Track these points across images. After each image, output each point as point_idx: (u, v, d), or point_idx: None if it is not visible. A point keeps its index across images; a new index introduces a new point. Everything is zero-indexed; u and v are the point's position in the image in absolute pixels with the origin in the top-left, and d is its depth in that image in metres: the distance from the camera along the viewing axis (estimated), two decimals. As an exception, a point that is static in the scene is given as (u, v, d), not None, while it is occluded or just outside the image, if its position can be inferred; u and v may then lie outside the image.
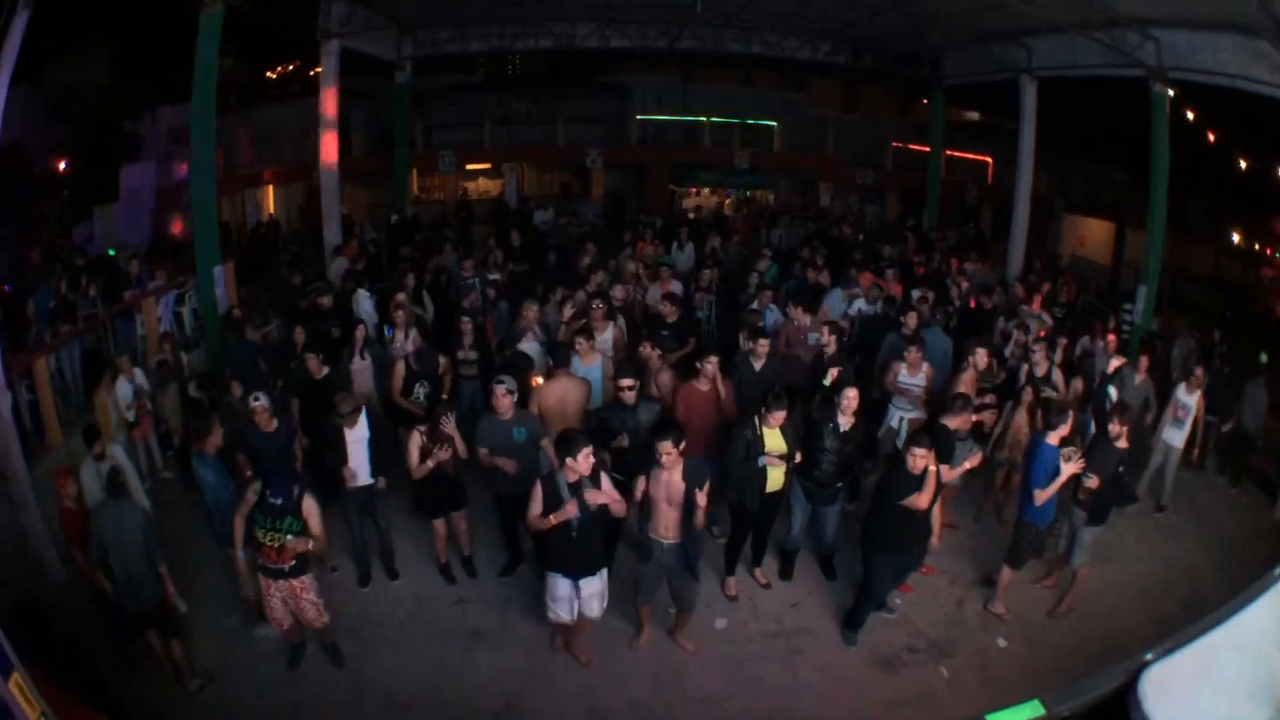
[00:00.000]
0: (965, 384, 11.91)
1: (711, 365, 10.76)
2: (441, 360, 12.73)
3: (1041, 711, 3.92)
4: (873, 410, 12.96)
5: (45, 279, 18.20)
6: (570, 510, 8.36)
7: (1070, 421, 10.04)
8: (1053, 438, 9.88)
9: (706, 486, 8.65)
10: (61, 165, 31.12)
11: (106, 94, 32.25)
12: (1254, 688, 4.08)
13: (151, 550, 9.12)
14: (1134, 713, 3.93)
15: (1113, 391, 12.86)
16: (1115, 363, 13.66)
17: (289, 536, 8.57)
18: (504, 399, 9.96)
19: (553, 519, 8.39)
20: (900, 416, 12.53)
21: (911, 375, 12.47)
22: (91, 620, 9.74)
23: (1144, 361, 13.88)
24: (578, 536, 8.57)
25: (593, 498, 8.45)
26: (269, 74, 41.03)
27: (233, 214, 31.64)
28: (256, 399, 10.47)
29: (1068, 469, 9.65)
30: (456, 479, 10.63)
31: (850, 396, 10.04)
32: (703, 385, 10.80)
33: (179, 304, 17.79)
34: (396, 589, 11.14)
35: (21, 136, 26.41)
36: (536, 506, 8.50)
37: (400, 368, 12.42)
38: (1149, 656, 4.08)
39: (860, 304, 15.88)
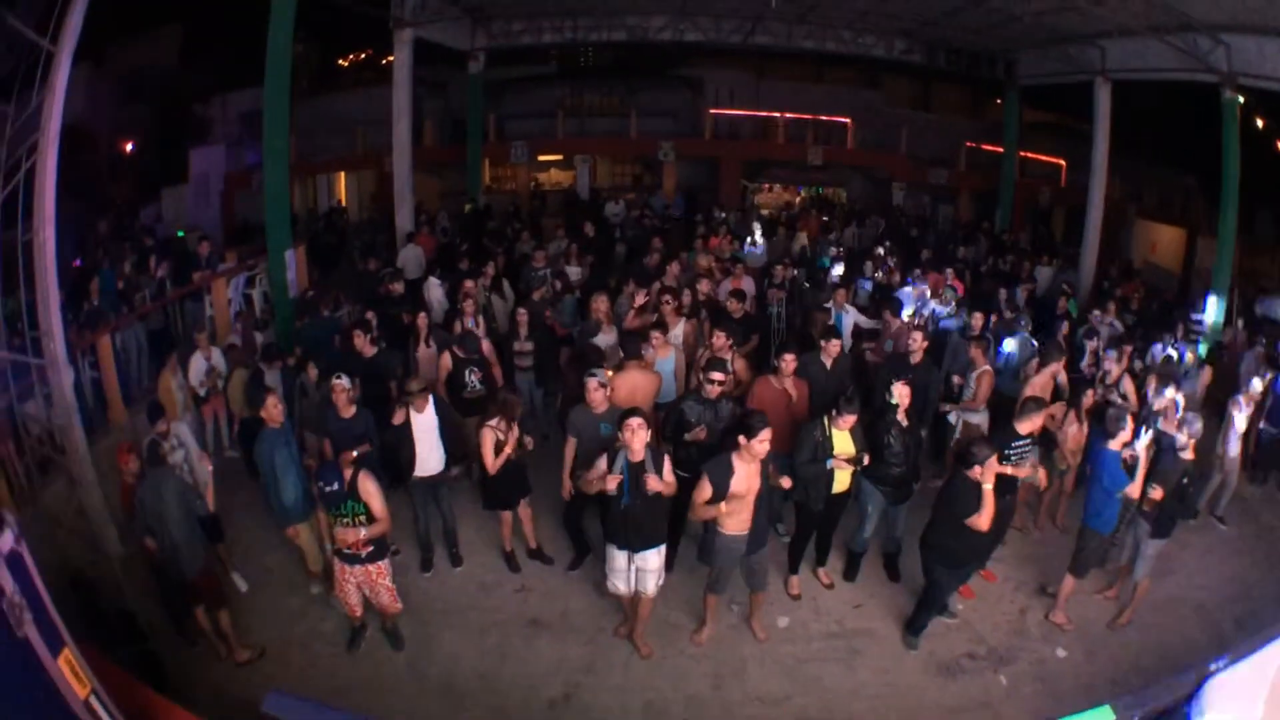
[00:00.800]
0: (1037, 388, 11.80)
1: (789, 362, 10.76)
2: (485, 344, 12.73)
3: (1112, 717, 4.01)
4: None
5: (111, 258, 18.28)
6: (609, 483, 8.57)
7: (1130, 428, 9.87)
8: (1114, 444, 9.75)
9: (771, 469, 8.82)
10: (129, 146, 31.25)
11: (176, 76, 32.43)
12: None
13: (191, 516, 9.24)
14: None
15: (1179, 398, 12.41)
16: (1161, 403, 12.66)
17: (357, 522, 8.67)
18: (596, 392, 10.01)
19: (592, 480, 8.80)
20: (960, 416, 12.57)
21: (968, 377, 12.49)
22: (148, 596, 9.86)
23: (1206, 374, 13.84)
24: (627, 511, 8.75)
25: (650, 484, 8.57)
26: (341, 61, 41.24)
27: (303, 200, 31.78)
28: (339, 377, 10.46)
29: (1138, 478, 9.59)
30: (522, 468, 10.66)
31: (901, 393, 10.05)
32: (778, 382, 10.77)
33: (249, 286, 17.87)
34: (459, 575, 11.20)
35: (90, 116, 26.60)
36: (594, 471, 8.83)
37: (446, 357, 12.37)
38: (1213, 667, 4.22)
39: (934, 305, 15.64)
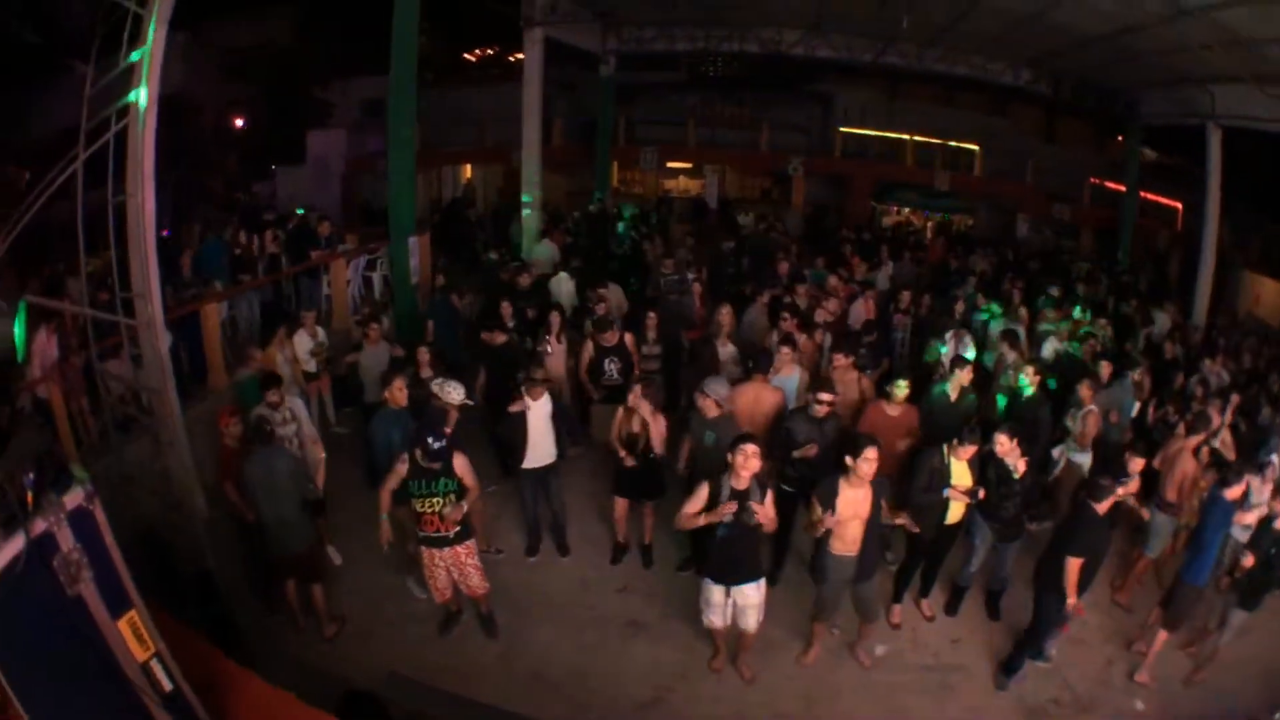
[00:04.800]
0: (1188, 458, 11.47)
1: (901, 388, 10.83)
2: (628, 339, 12.90)
3: None
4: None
5: (215, 229, 18.53)
6: (723, 511, 8.31)
7: (1245, 483, 9.81)
8: (1230, 493, 9.64)
9: (885, 505, 8.88)
10: (239, 122, 31.76)
11: (291, 57, 32.84)
12: None
13: (304, 494, 9.55)
14: None
15: (1275, 458, 12.10)
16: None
17: (448, 501, 8.74)
18: (704, 401, 10.10)
19: (702, 518, 8.50)
20: (1064, 453, 12.39)
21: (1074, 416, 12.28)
22: (230, 561, 10.14)
23: None
24: (725, 543, 8.61)
25: (758, 512, 8.40)
26: (467, 55, 41.57)
27: (427, 190, 32.12)
28: (449, 393, 10.45)
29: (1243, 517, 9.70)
30: (658, 468, 10.82)
31: (1002, 441, 9.91)
32: (892, 410, 10.83)
33: (369, 269, 18.43)
34: (562, 569, 11.42)
35: (193, 88, 26.96)
36: (694, 504, 8.58)
37: (589, 345, 12.68)
38: (1277, 716, 4.81)
39: (1054, 342, 15.38)
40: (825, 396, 10.23)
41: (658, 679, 9.54)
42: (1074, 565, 8.99)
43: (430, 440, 8.48)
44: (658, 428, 10.45)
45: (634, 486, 10.91)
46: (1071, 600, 9.16)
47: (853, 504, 8.62)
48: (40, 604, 4.60)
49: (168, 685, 5.37)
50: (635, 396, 10.41)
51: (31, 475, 4.51)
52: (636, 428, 10.42)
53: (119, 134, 9.44)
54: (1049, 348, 15.08)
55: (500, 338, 12.86)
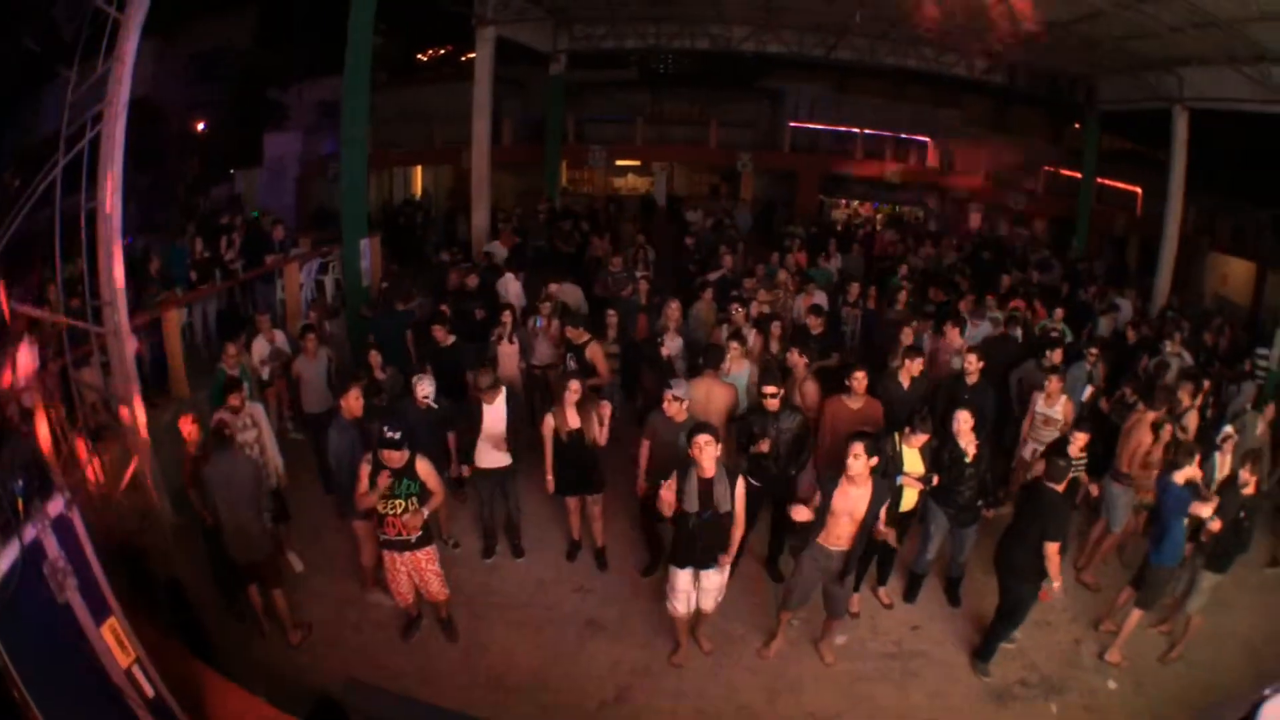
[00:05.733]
0: (1143, 434, 11.55)
1: (859, 381, 10.81)
2: (596, 349, 12.89)
3: None
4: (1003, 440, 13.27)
5: (178, 234, 18.51)
6: (681, 501, 8.56)
7: (1197, 463, 9.91)
8: (1179, 477, 9.77)
9: (886, 504, 8.84)
10: (200, 125, 31.67)
11: (251, 60, 32.78)
12: None
13: (260, 501, 9.47)
14: None
15: (1229, 429, 12.43)
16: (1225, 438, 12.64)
17: (410, 504, 8.70)
18: (672, 405, 10.03)
19: (666, 502, 8.60)
20: (1035, 450, 12.28)
21: (1049, 406, 12.30)
22: (198, 568, 10.07)
23: (1269, 411, 13.48)
24: (695, 531, 8.68)
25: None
26: (421, 55, 41.52)
27: (379, 191, 32.05)
28: (425, 392, 10.68)
29: (1198, 509, 9.65)
30: (594, 461, 10.81)
31: (961, 419, 10.05)
32: (853, 402, 10.83)
33: (322, 272, 18.20)
34: (519, 570, 11.36)
35: (160, 92, 26.93)
36: (668, 493, 8.60)
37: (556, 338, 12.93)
38: (1267, 692, 4.53)
39: (986, 327, 15.73)
40: (769, 389, 10.27)
41: (619, 677, 9.57)
42: (1053, 550, 9.06)
43: (387, 430, 8.45)
44: (594, 425, 10.51)
45: (574, 482, 10.88)
46: (1057, 584, 9.27)
47: (850, 501, 8.67)
48: (38, 611, 4.64)
49: (150, 690, 5.38)
50: (573, 392, 10.42)
51: (21, 483, 4.58)
52: (575, 423, 10.44)
53: (94, 140, 9.49)
54: (979, 332, 15.42)
55: (449, 339, 12.91)
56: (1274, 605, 11.95)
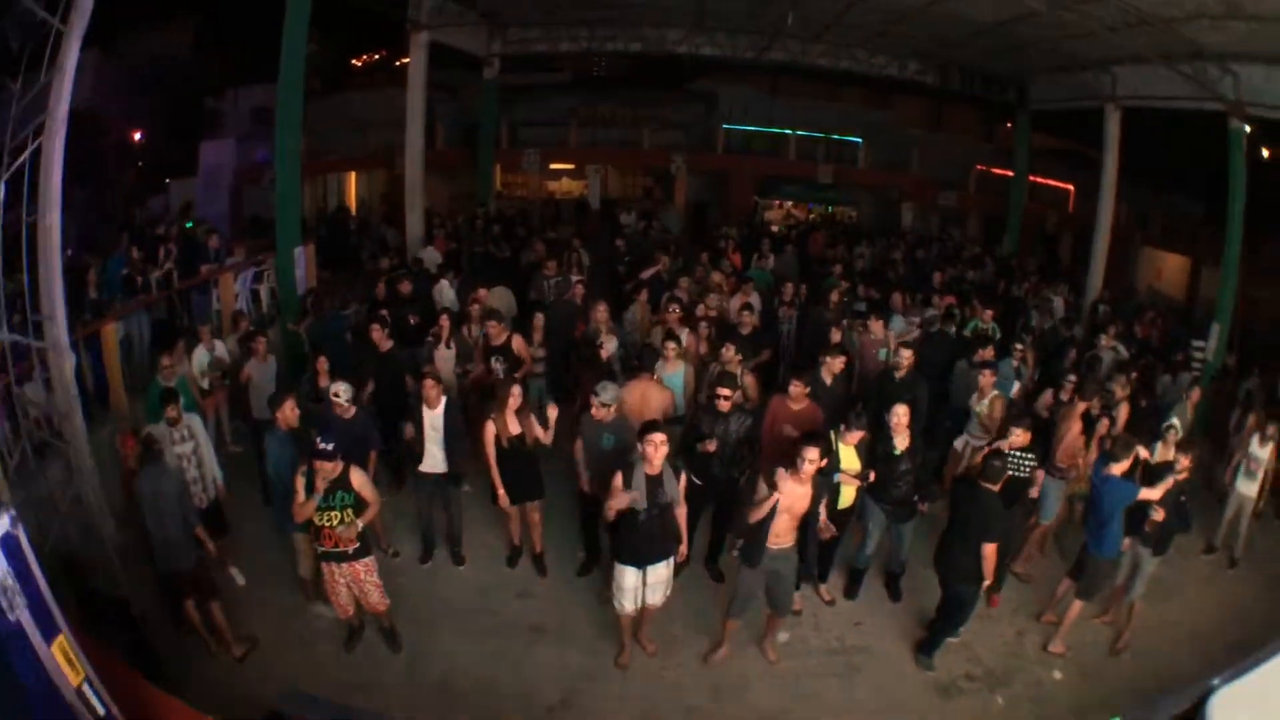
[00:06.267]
0: (1071, 425, 11.79)
1: (798, 388, 10.83)
2: (517, 340, 13.02)
3: None
4: (937, 436, 13.36)
5: (117, 246, 18.34)
6: (635, 496, 8.61)
7: (1134, 455, 10.03)
8: (1116, 469, 9.84)
9: (825, 499, 9.00)
10: (137, 136, 31.44)
11: (189, 68, 32.56)
12: None
13: (187, 514, 9.45)
14: None
15: (1176, 422, 12.54)
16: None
17: (345, 515, 8.67)
18: (599, 411, 10.00)
19: (613, 505, 8.70)
20: (968, 443, 12.47)
21: (979, 402, 12.45)
22: (144, 585, 9.89)
23: (1195, 394, 14.08)
24: (644, 528, 8.77)
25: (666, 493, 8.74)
26: (355, 60, 41.39)
27: (313, 198, 31.89)
28: (336, 390, 10.57)
29: (1148, 494, 9.78)
30: (535, 467, 10.78)
31: (897, 414, 10.11)
32: (794, 404, 10.82)
33: (256, 282, 17.99)
34: (461, 578, 11.29)
35: (101, 104, 26.75)
36: (616, 498, 8.67)
37: (481, 344, 12.95)
38: (1216, 681, 4.27)
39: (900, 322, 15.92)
40: (723, 391, 10.28)
41: (564, 682, 9.54)
42: (991, 551, 9.18)
43: (320, 441, 8.45)
44: (535, 429, 10.50)
45: (515, 488, 10.77)
46: (988, 582, 9.42)
47: (790, 498, 8.67)
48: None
49: (101, 710, 5.32)
50: (515, 398, 10.40)
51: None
52: (515, 429, 10.41)
53: (35, 152, 9.44)
54: (898, 323, 15.64)
55: (387, 344, 12.78)
56: (1215, 593, 12.23)
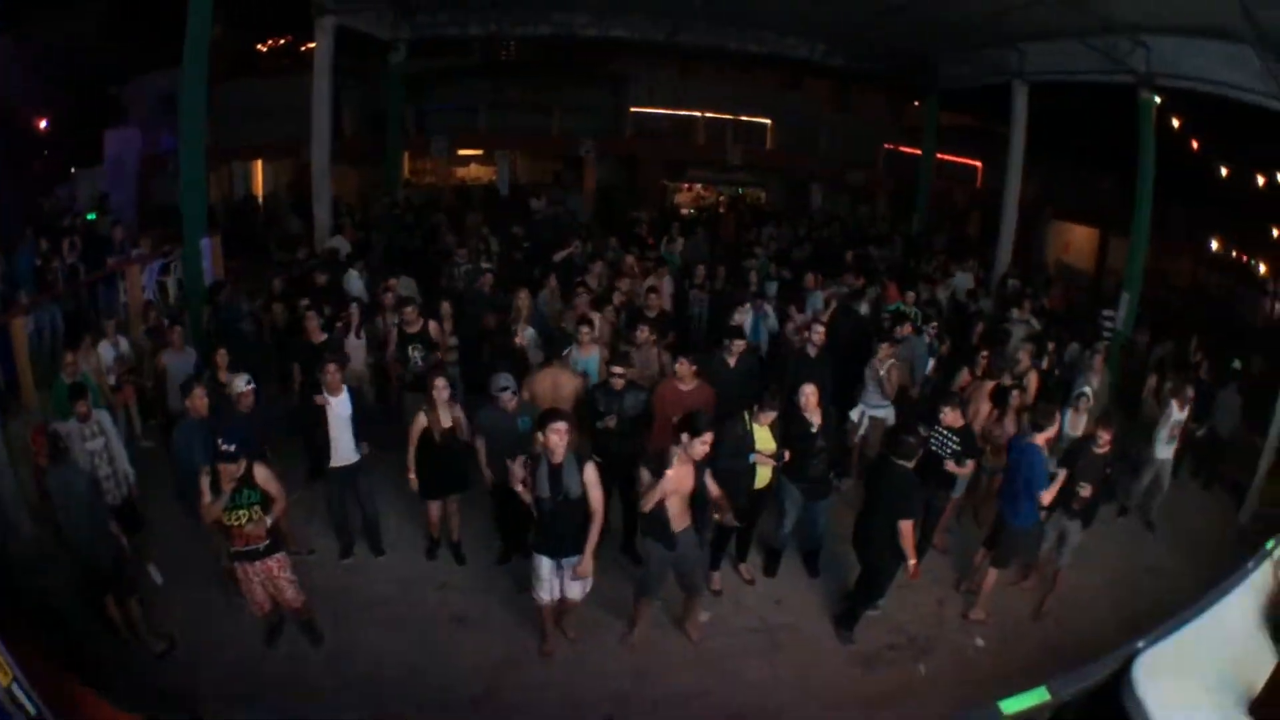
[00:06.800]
0: (980, 400, 12.00)
1: (684, 366, 10.94)
2: (433, 326, 12.94)
3: (1048, 697, 4.11)
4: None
5: (25, 239, 18.05)
6: (521, 476, 8.77)
7: (1056, 425, 10.30)
8: (1039, 439, 10.02)
9: (709, 473, 8.96)
10: (43, 124, 30.93)
11: (93, 54, 32.07)
12: (1224, 676, 4.42)
13: (99, 512, 9.30)
14: (1128, 698, 4.14)
15: (1088, 390, 13.03)
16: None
17: (253, 513, 8.67)
18: (509, 401, 10.05)
19: (522, 489, 8.81)
20: (864, 412, 12.93)
21: (880, 366, 12.69)
22: (65, 582, 9.77)
23: (1099, 361, 14.23)
24: (552, 518, 8.75)
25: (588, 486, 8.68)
26: (260, 46, 40.94)
27: (219, 188, 31.49)
28: (237, 381, 10.54)
29: (1056, 484, 10.00)
30: (460, 460, 10.75)
31: (808, 393, 10.24)
32: (685, 385, 10.90)
33: (163, 274, 17.78)
34: (380, 570, 11.23)
35: (8, 91, 26.29)
36: (514, 478, 8.86)
37: (394, 333, 12.82)
38: (1140, 645, 4.31)
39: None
40: (618, 370, 10.56)
41: (488, 671, 9.57)
42: (907, 528, 9.25)
43: (222, 443, 8.40)
44: (462, 422, 10.53)
45: (440, 485, 10.90)
46: (913, 561, 9.45)
47: (678, 479, 8.73)
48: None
49: (31, 709, 5.29)
50: (442, 389, 10.38)
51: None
52: (447, 422, 10.43)
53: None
54: (817, 299, 15.78)
55: (321, 336, 12.58)
56: (1136, 556, 12.59)
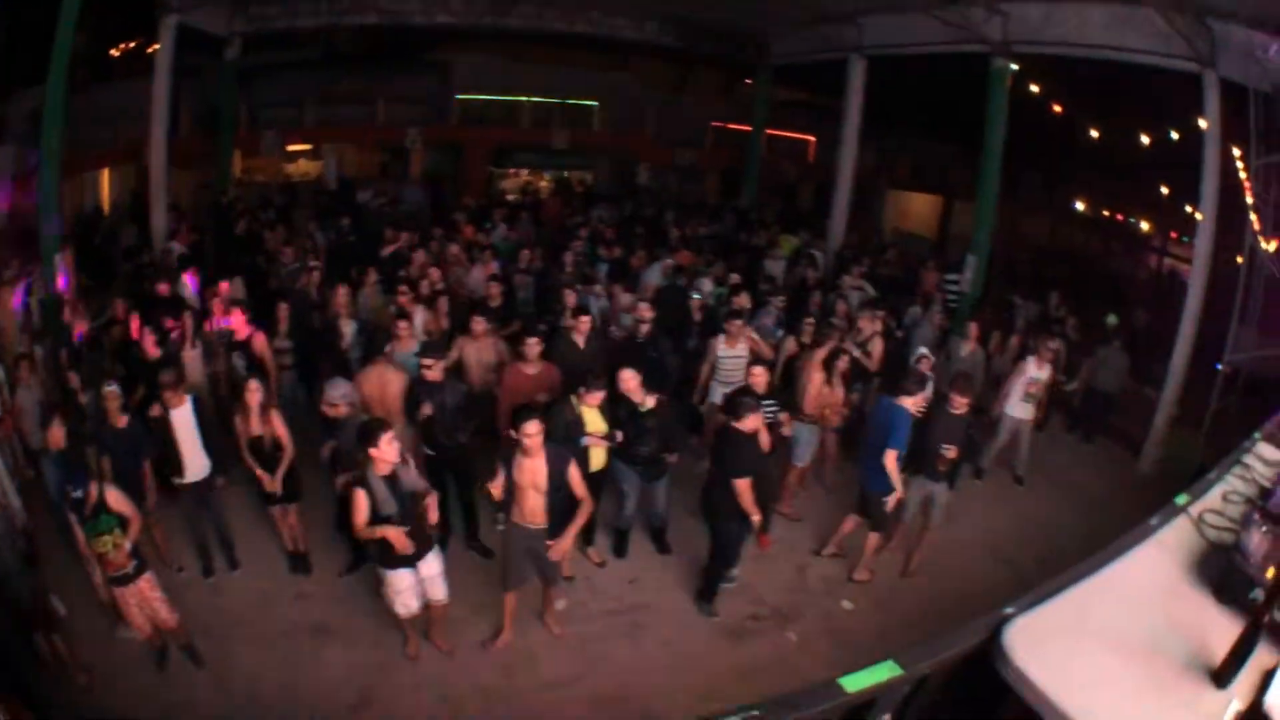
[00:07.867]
0: (816, 363, 12.20)
1: (533, 346, 11.06)
2: (258, 338, 12.84)
3: (899, 672, 3.92)
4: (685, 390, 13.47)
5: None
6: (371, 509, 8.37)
7: (929, 390, 10.89)
8: (909, 403, 10.27)
9: (573, 464, 8.88)
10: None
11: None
12: (1131, 637, 4.25)
13: (14, 547, 9.32)
14: (1001, 667, 4.06)
15: (925, 349, 13.30)
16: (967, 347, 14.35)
17: (115, 537, 8.59)
18: (342, 410, 10.17)
19: (379, 531, 8.40)
20: (722, 393, 12.33)
21: (730, 348, 12.61)
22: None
23: (973, 329, 14.57)
24: (402, 527, 8.48)
25: (430, 513, 8.65)
26: (113, 51, 40.58)
27: (71, 200, 31.32)
28: (109, 385, 10.29)
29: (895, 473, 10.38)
30: (292, 468, 10.65)
31: (625, 378, 10.29)
32: (529, 368, 11.05)
33: (28, 293, 16.74)
34: (240, 585, 11.03)
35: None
36: (361, 515, 8.36)
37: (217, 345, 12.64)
38: (1009, 610, 4.24)
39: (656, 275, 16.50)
40: (426, 361, 10.44)
41: (359, 678, 9.44)
42: (744, 486, 9.41)
43: (70, 489, 8.44)
44: (280, 428, 10.42)
45: (269, 493, 10.64)
46: (755, 518, 9.65)
47: (529, 473, 8.71)
48: None
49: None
50: (253, 393, 10.24)
51: None
52: (257, 430, 10.32)
53: None
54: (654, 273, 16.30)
55: (158, 351, 12.16)
56: (1008, 509, 13.26)
